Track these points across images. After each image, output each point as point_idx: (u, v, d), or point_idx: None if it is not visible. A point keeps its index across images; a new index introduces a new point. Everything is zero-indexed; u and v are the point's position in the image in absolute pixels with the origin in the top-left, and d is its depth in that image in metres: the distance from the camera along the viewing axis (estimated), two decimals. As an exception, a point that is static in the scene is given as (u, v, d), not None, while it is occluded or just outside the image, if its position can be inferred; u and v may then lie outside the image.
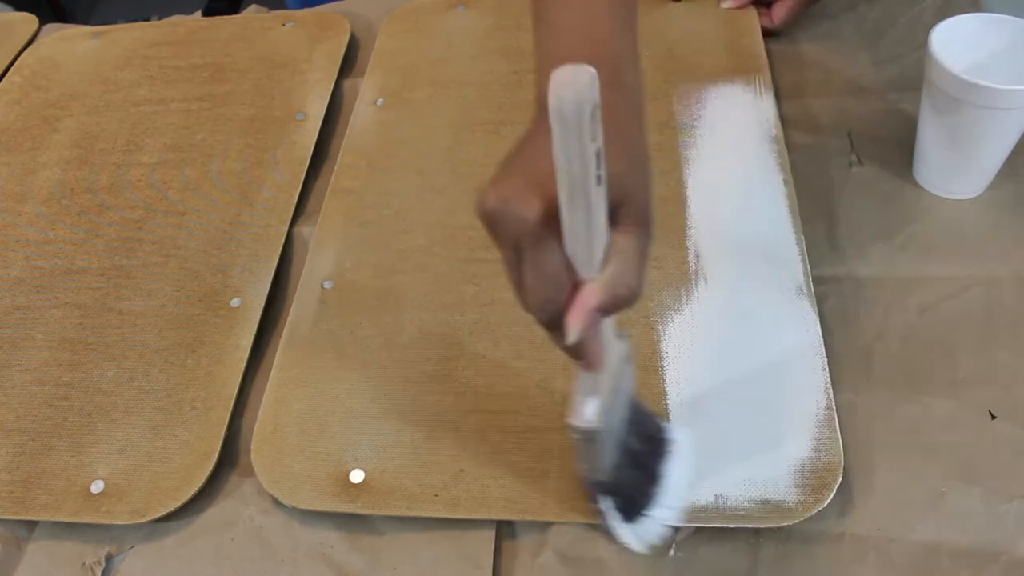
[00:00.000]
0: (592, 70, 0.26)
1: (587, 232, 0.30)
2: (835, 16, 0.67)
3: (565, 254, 0.31)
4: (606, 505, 0.40)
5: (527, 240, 0.30)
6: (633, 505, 0.41)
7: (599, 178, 0.28)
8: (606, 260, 0.31)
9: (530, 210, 0.30)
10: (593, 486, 0.41)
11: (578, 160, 0.27)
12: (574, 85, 0.25)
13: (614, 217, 0.31)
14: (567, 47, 0.37)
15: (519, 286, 0.32)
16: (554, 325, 0.32)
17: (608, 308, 0.32)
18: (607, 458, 0.38)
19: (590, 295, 0.31)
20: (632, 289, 0.32)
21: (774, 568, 0.40)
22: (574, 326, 0.31)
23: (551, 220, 0.30)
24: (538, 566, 0.42)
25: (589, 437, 0.36)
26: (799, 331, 0.47)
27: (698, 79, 0.62)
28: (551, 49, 0.38)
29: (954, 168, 0.52)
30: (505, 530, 0.43)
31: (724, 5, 0.67)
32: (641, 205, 0.32)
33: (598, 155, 0.27)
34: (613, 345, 0.36)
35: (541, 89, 0.36)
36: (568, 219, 0.29)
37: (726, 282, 0.50)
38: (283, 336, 0.51)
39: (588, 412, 0.35)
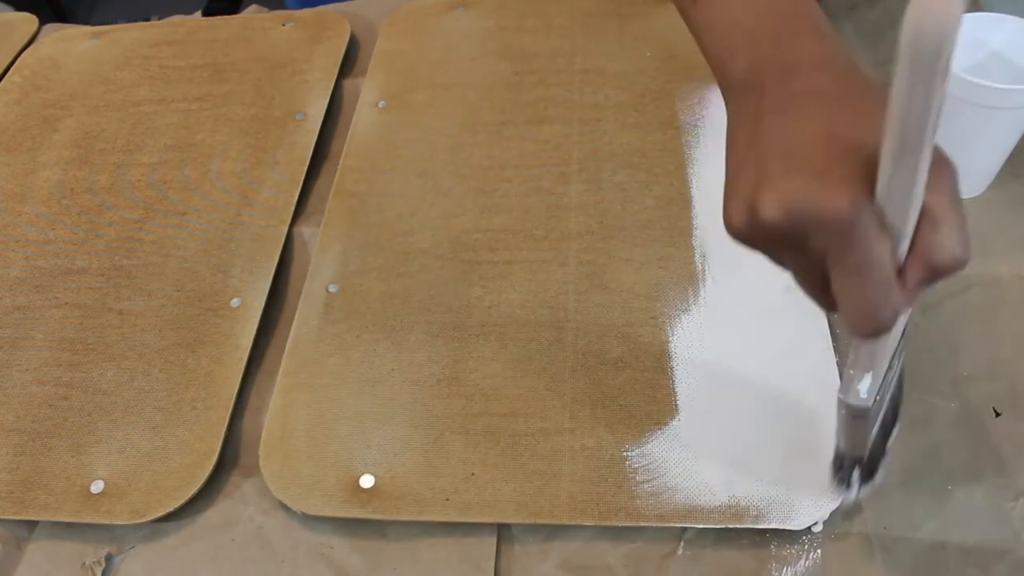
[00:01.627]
0: None
1: (910, 199, 0.25)
2: (835, 16, 0.67)
3: (890, 243, 0.26)
4: (854, 478, 0.38)
5: (842, 242, 0.25)
6: (871, 471, 0.38)
7: (935, 128, 0.24)
8: (924, 225, 0.26)
9: (839, 200, 0.24)
10: (849, 460, 0.37)
11: (922, 105, 0.23)
12: (943, 11, 0.22)
13: None
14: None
15: (833, 301, 0.27)
16: (875, 332, 0.27)
17: (941, 276, 0.26)
18: (871, 434, 0.35)
19: (921, 266, 0.26)
20: (968, 250, 0.26)
21: (781, 567, 0.40)
22: (909, 304, 0.27)
23: (862, 208, 0.25)
24: (543, 573, 0.42)
25: (859, 415, 0.33)
26: (808, 330, 0.47)
27: (700, 79, 0.62)
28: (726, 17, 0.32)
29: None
30: (505, 534, 0.43)
31: None
32: (942, 154, 0.26)
33: (942, 101, 0.23)
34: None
35: (731, 68, 0.32)
36: (891, 185, 0.25)
37: (733, 282, 0.50)
38: (288, 341, 0.50)
39: (863, 389, 0.32)
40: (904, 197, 0.25)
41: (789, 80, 0.29)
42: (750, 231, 0.28)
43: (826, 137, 0.26)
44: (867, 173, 0.25)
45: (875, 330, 0.27)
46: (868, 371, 0.32)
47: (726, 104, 0.32)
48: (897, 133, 0.24)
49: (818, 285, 0.28)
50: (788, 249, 0.28)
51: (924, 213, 0.26)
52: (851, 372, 0.32)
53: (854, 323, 0.27)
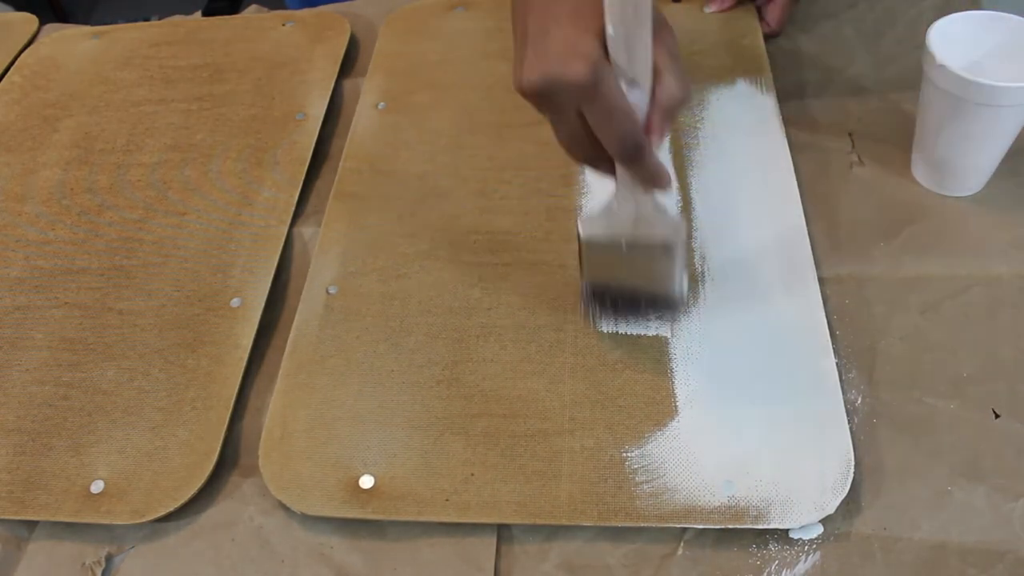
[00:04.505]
0: None
1: (642, 49, 0.35)
2: (835, 16, 0.67)
3: (624, 89, 0.35)
4: (593, 305, 0.47)
5: (588, 94, 0.34)
6: (623, 311, 0.47)
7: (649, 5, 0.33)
8: (656, 74, 0.36)
9: (580, 68, 0.34)
10: (587, 290, 0.46)
11: None
12: None
13: None
14: None
15: (587, 142, 0.37)
16: (636, 156, 0.37)
17: (674, 113, 0.37)
18: (596, 271, 0.44)
19: (659, 109, 0.36)
20: (688, 89, 0.37)
21: (781, 568, 0.40)
22: (661, 135, 0.37)
23: (598, 72, 0.34)
24: (543, 573, 0.42)
25: (586, 243, 0.42)
26: (807, 331, 0.47)
27: (699, 80, 0.62)
28: None
29: (953, 165, 0.52)
30: (505, 534, 0.43)
31: (707, 9, 0.67)
32: (661, 19, 0.36)
33: None
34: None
35: None
36: (620, 48, 0.34)
37: (733, 283, 0.50)
38: (289, 342, 0.50)
39: (590, 228, 0.42)
40: (630, 54, 0.35)
41: None
42: (525, 96, 0.37)
43: (573, 18, 0.35)
44: (602, 45, 0.35)
45: (632, 151, 0.37)
46: (608, 216, 0.41)
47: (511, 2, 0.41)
48: (618, 19, 0.34)
49: (582, 141, 0.37)
50: (555, 110, 0.37)
51: (654, 69, 0.36)
52: (594, 211, 0.42)
53: (615, 152, 0.37)
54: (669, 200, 0.41)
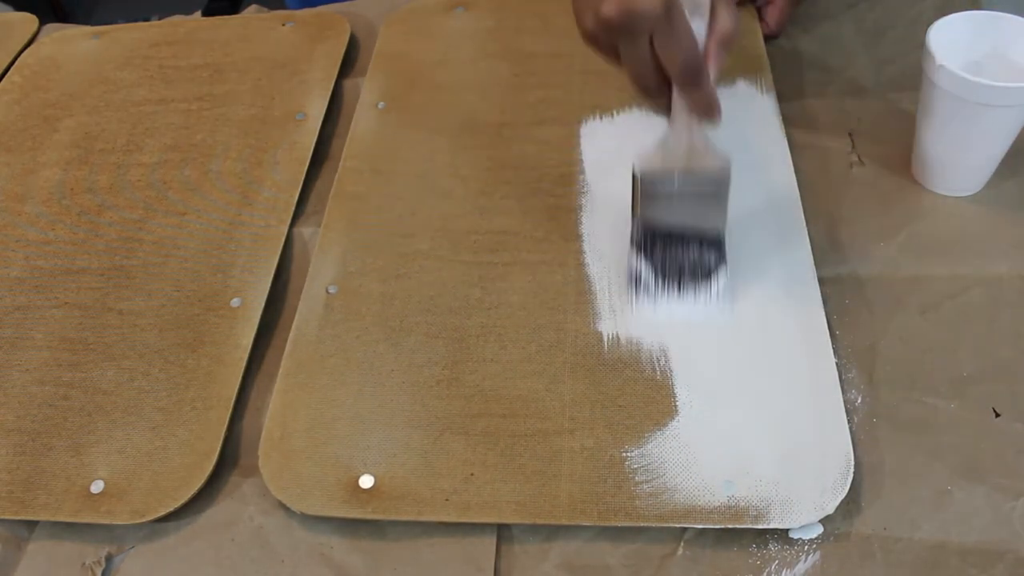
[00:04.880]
0: None
1: None
2: (835, 16, 0.67)
3: (689, 19, 0.40)
4: (636, 263, 0.48)
5: (660, 22, 0.39)
6: (663, 276, 0.48)
7: None
8: (712, 10, 0.41)
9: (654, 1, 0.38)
10: (638, 228, 0.47)
11: None
12: None
13: None
14: None
15: (652, 70, 0.42)
16: (696, 79, 0.41)
17: (729, 44, 0.42)
18: (649, 206, 0.46)
19: (716, 39, 0.42)
20: (738, 23, 0.42)
21: (781, 568, 0.40)
22: (718, 63, 0.42)
23: (670, 1, 0.39)
24: (543, 573, 0.42)
25: (641, 176, 0.45)
26: (807, 331, 0.47)
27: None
28: None
29: (952, 165, 0.52)
30: (505, 534, 0.43)
31: None
32: None
33: None
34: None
35: None
36: None
37: (733, 282, 0.50)
38: (288, 342, 0.50)
39: (645, 162, 0.44)
40: None
41: None
42: (596, 30, 0.41)
43: None
44: None
45: (694, 74, 0.41)
46: (663, 156, 0.44)
47: None
48: None
49: (649, 69, 0.42)
50: (625, 40, 0.41)
51: (711, 5, 0.42)
52: (652, 151, 0.44)
53: (679, 74, 0.42)
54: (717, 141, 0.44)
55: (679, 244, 0.47)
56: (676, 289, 0.48)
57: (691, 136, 0.44)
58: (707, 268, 0.48)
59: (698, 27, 0.41)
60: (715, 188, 0.45)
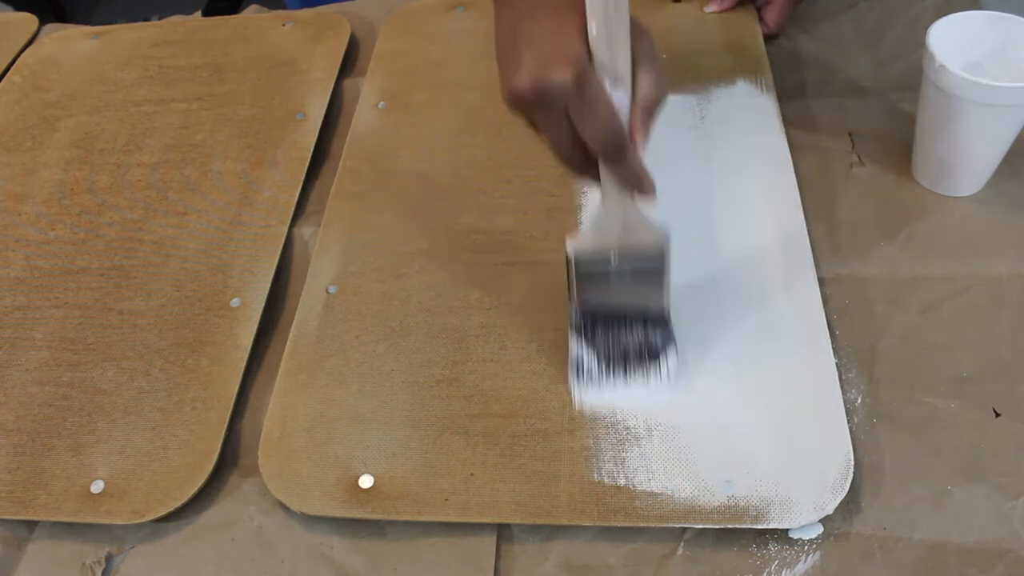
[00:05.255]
0: None
1: (622, 46, 0.37)
2: (835, 16, 0.67)
3: (608, 87, 0.37)
4: (577, 350, 0.45)
5: (574, 96, 0.37)
6: (607, 362, 0.45)
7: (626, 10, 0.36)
8: (635, 72, 0.38)
9: (565, 71, 0.36)
10: (575, 321, 0.45)
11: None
12: None
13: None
14: None
15: (574, 146, 0.39)
16: (618, 155, 0.38)
17: (654, 111, 0.39)
18: (585, 288, 0.44)
19: (639, 108, 0.38)
20: (664, 89, 0.39)
21: (781, 568, 0.40)
22: (644, 134, 0.38)
23: (583, 73, 0.36)
24: (543, 573, 0.42)
25: (575, 258, 0.43)
26: (807, 331, 0.47)
27: (700, 80, 0.62)
28: None
29: (953, 165, 0.52)
30: (505, 534, 0.43)
31: (707, 9, 0.67)
32: (637, 23, 0.38)
33: None
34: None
35: None
36: (604, 39, 0.36)
37: (733, 282, 0.50)
38: (288, 342, 0.50)
39: (578, 242, 0.42)
40: (612, 52, 0.37)
41: None
42: (515, 103, 0.39)
43: (557, 30, 0.37)
44: (586, 49, 0.37)
45: (615, 148, 0.38)
46: (596, 235, 0.42)
47: (495, 11, 0.44)
48: (601, 20, 0.36)
49: (569, 144, 0.39)
50: (541, 114, 0.38)
51: (633, 68, 0.38)
52: (600, 217, 0.42)
53: (600, 150, 0.39)
54: (653, 211, 0.41)
55: (622, 326, 0.45)
56: (623, 374, 0.45)
57: (624, 211, 0.41)
58: (654, 349, 0.45)
59: (620, 98, 0.38)
60: (654, 264, 0.43)
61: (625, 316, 0.45)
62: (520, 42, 0.38)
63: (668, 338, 0.45)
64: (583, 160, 0.40)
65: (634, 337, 0.45)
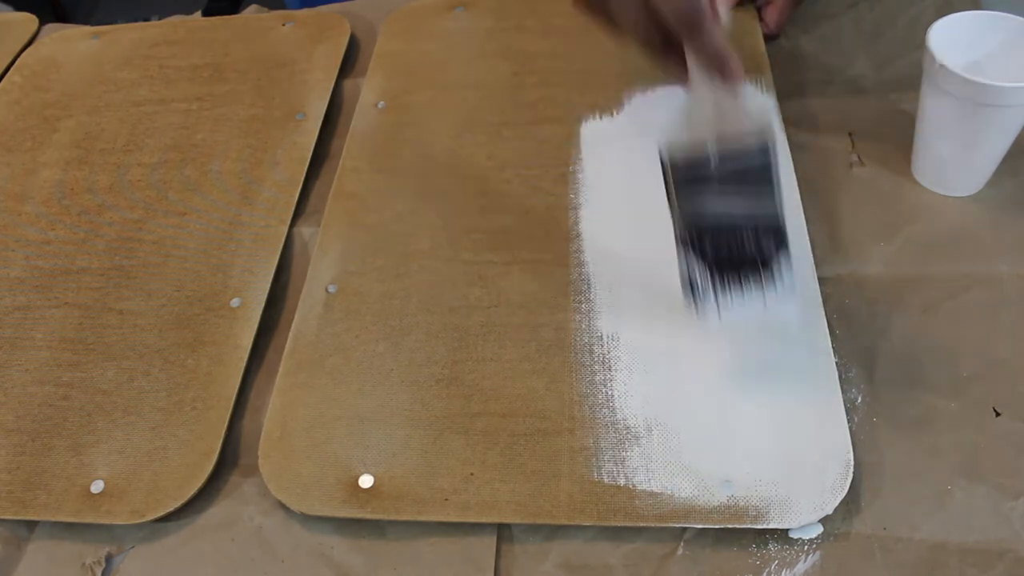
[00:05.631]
0: None
1: None
2: (835, 16, 0.67)
3: None
4: (690, 261, 0.40)
5: None
6: (722, 274, 0.40)
7: None
8: None
9: None
10: (681, 234, 0.40)
11: None
12: None
13: None
14: None
15: (648, 21, 0.36)
16: (695, 26, 0.35)
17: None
18: (688, 199, 0.39)
19: None
20: None
21: (781, 568, 0.40)
22: (724, 3, 0.35)
23: None
24: (543, 573, 0.42)
25: (664, 164, 0.38)
26: (807, 331, 0.47)
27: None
28: None
29: (953, 165, 0.52)
30: (505, 534, 0.43)
31: None
32: None
33: None
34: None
35: None
36: None
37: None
38: (288, 341, 0.50)
39: (674, 143, 0.37)
40: None
41: None
42: None
43: None
44: None
45: (691, 19, 0.35)
46: (688, 130, 0.38)
47: None
48: None
49: (643, 21, 0.36)
50: None
51: None
52: (690, 107, 0.38)
53: (675, 21, 0.35)
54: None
55: (732, 235, 0.40)
56: (739, 290, 0.41)
57: (715, 97, 0.37)
58: (767, 260, 0.40)
59: None
60: (758, 160, 0.38)
61: (733, 224, 0.40)
62: None
63: (782, 246, 0.40)
64: (664, 41, 0.36)
65: (747, 247, 0.40)
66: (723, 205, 0.39)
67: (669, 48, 0.37)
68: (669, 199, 0.40)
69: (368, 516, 0.43)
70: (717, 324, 0.41)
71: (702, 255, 0.40)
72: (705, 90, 0.37)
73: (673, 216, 0.40)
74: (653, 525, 0.41)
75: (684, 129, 0.38)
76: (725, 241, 0.40)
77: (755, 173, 0.38)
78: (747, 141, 0.37)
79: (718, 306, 0.41)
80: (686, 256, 0.40)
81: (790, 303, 0.40)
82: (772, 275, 0.40)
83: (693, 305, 0.41)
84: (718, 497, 0.41)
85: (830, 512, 0.40)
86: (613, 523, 0.41)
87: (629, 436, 0.44)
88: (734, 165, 0.38)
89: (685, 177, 0.38)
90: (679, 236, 0.41)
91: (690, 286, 0.41)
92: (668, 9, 0.35)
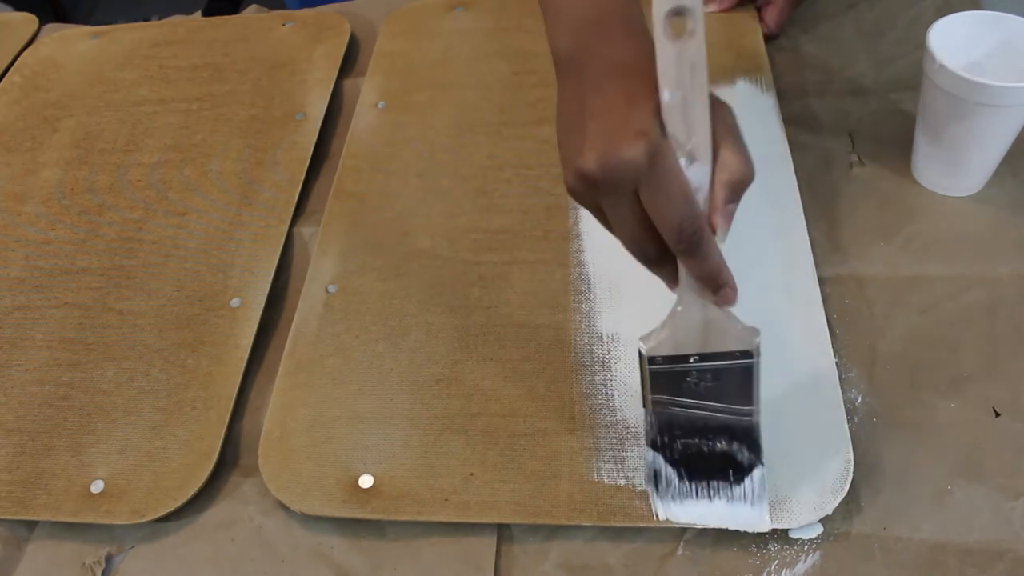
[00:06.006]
0: None
1: (700, 116, 0.32)
2: (835, 16, 0.67)
3: (683, 163, 0.33)
4: (654, 459, 0.40)
5: (646, 175, 0.32)
6: (688, 475, 0.40)
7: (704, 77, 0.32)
8: (716, 147, 0.33)
9: (635, 147, 0.32)
10: (651, 423, 0.40)
11: (685, 64, 0.32)
12: None
13: None
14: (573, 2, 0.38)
15: (644, 233, 0.34)
16: (695, 246, 0.33)
17: (739, 193, 0.34)
18: (661, 396, 0.39)
19: (721, 188, 0.33)
20: (751, 166, 0.34)
21: (781, 568, 0.40)
22: (726, 221, 0.33)
23: (656, 149, 0.32)
24: (543, 573, 0.42)
25: (642, 361, 0.38)
26: (807, 331, 0.47)
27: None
28: (559, 4, 0.39)
29: (953, 165, 0.52)
30: (505, 534, 0.43)
31: (707, 9, 0.67)
32: (716, 97, 0.34)
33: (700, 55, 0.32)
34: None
35: (556, 45, 0.38)
36: (678, 108, 0.32)
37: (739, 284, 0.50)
38: (288, 341, 0.50)
39: (653, 342, 0.37)
40: (689, 122, 0.33)
41: (601, 63, 0.36)
42: (580, 184, 0.34)
43: (626, 101, 0.33)
44: (659, 121, 0.33)
45: (691, 238, 0.33)
46: (670, 335, 0.37)
47: (558, 82, 0.38)
48: (674, 84, 0.32)
49: (641, 232, 0.34)
50: (610, 199, 0.34)
51: (713, 143, 0.33)
52: (661, 330, 0.37)
53: (673, 239, 0.34)
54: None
55: (703, 436, 0.39)
56: (705, 491, 0.40)
57: (705, 309, 0.36)
58: (739, 465, 0.40)
59: (698, 176, 0.33)
60: (740, 373, 0.37)
61: (707, 425, 0.39)
62: (585, 116, 0.34)
63: (754, 452, 0.40)
64: (659, 251, 0.35)
65: (717, 449, 0.39)
66: (699, 408, 0.39)
67: (664, 254, 0.35)
68: (643, 397, 0.39)
69: (368, 516, 0.43)
70: (667, 518, 0.41)
71: (670, 453, 0.40)
72: (695, 301, 0.36)
73: (645, 413, 0.40)
74: (653, 525, 0.41)
75: (667, 333, 0.37)
76: (696, 446, 0.40)
77: (735, 383, 0.38)
78: (731, 353, 0.37)
79: (680, 500, 0.41)
80: (653, 453, 0.41)
81: (760, 509, 0.40)
82: (743, 480, 0.40)
83: (655, 497, 0.41)
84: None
85: (830, 512, 0.40)
86: (613, 523, 0.41)
87: (629, 436, 0.44)
88: (714, 374, 0.38)
89: (660, 379, 0.38)
90: (647, 434, 0.41)
91: (654, 480, 0.41)
92: (666, 224, 0.33)
